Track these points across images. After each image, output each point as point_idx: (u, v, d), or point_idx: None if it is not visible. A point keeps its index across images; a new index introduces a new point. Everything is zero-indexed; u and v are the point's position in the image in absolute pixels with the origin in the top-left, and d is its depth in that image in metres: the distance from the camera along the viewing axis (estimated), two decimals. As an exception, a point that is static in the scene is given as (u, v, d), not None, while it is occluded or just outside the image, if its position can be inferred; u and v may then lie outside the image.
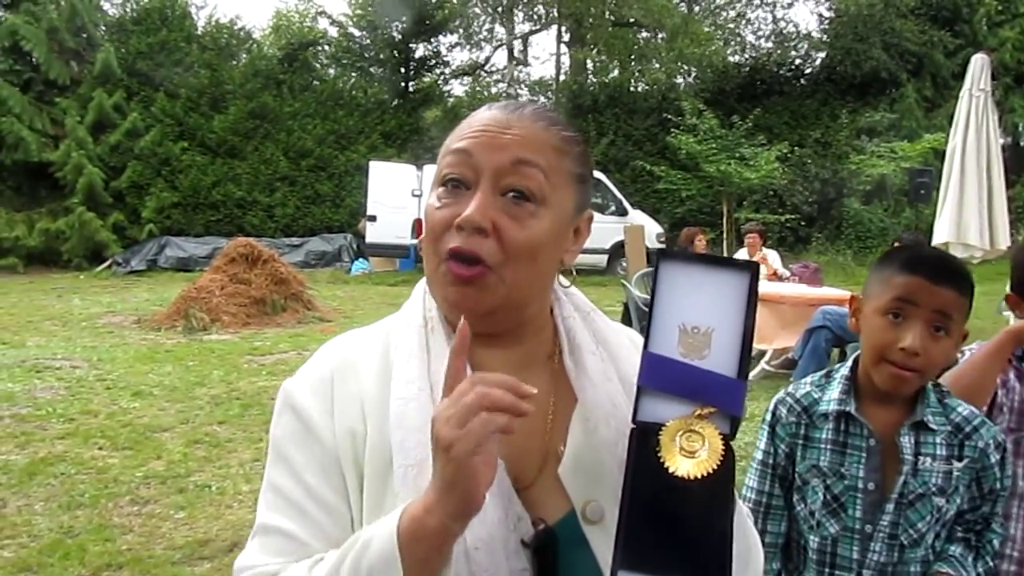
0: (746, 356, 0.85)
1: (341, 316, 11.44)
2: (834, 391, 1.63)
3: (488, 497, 0.86)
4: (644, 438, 0.83)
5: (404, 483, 0.86)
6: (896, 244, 7.44)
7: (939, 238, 6.71)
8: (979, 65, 6.70)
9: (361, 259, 18.47)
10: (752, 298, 0.86)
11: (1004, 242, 6.68)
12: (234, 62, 22.44)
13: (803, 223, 20.23)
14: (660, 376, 0.85)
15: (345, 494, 0.92)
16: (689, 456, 0.81)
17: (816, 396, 1.65)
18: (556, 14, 24.83)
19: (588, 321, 1.05)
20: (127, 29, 20.82)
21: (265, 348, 8.83)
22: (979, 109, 6.57)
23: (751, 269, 0.87)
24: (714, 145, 18.17)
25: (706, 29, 24.81)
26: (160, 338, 9.41)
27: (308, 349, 8.71)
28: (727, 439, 0.83)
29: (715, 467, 0.80)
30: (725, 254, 16.07)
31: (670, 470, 0.81)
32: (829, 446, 1.59)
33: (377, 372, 0.97)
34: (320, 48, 25.27)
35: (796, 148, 20.16)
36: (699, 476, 0.80)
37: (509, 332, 0.99)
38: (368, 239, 17.56)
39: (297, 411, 0.96)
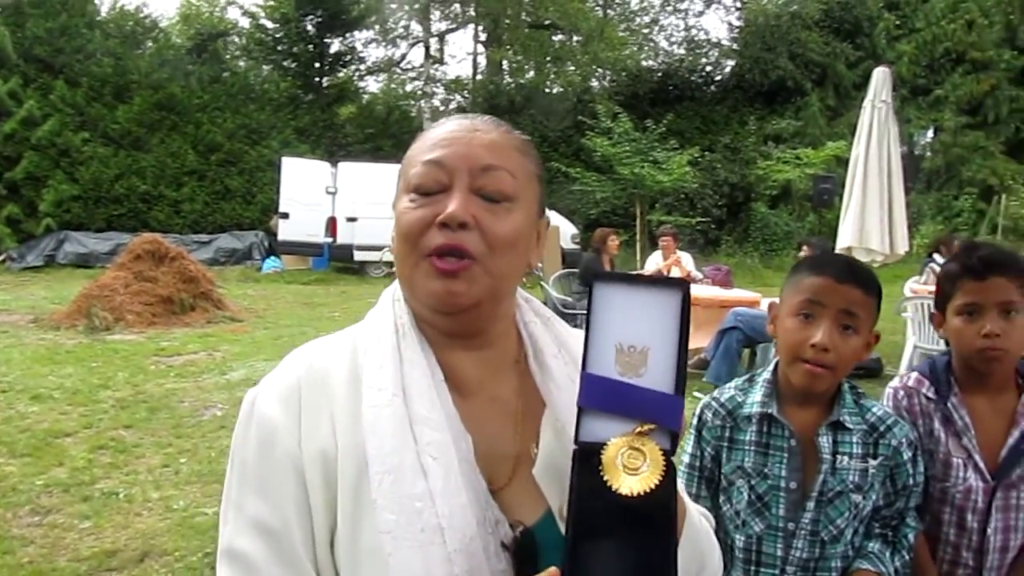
0: (682, 372, 0.87)
1: (253, 316, 11.16)
2: (756, 394, 1.69)
3: (466, 502, 0.88)
4: (586, 458, 0.84)
5: (380, 491, 0.86)
6: (801, 247, 7.73)
7: (843, 243, 7.00)
8: (881, 77, 7.01)
9: (273, 257, 18.08)
10: (685, 315, 0.87)
11: (902, 247, 7.01)
12: (139, 50, 21.63)
13: (713, 226, 20.81)
14: (599, 396, 0.86)
15: (307, 510, 0.91)
16: (632, 473, 0.82)
17: (740, 399, 1.71)
18: (473, 13, 24.85)
19: (549, 327, 1.08)
20: (24, 12, 19.73)
21: (173, 349, 8.54)
22: (881, 120, 6.88)
23: (683, 287, 0.89)
24: (628, 148, 18.50)
25: (620, 34, 25.25)
26: (60, 338, 8.98)
27: (219, 350, 8.48)
28: (668, 455, 0.84)
29: (657, 482, 0.82)
30: (638, 255, 16.39)
31: (613, 488, 0.82)
32: (752, 447, 1.65)
33: (346, 380, 0.96)
34: (231, 39, 24.62)
35: (706, 153, 20.74)
36: (642, 492, 0.81)
37: (480, 334, 1.01)
38: (280, 237, 17.19)
39: (262, 424, 0.95)
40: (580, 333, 1.12)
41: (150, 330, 9.53)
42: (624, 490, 0.81)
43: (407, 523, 0.85)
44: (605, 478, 0.82)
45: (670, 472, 0.83)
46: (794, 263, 1.86)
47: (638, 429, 0.85)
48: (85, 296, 10.01)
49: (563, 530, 0.90)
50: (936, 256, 9.83)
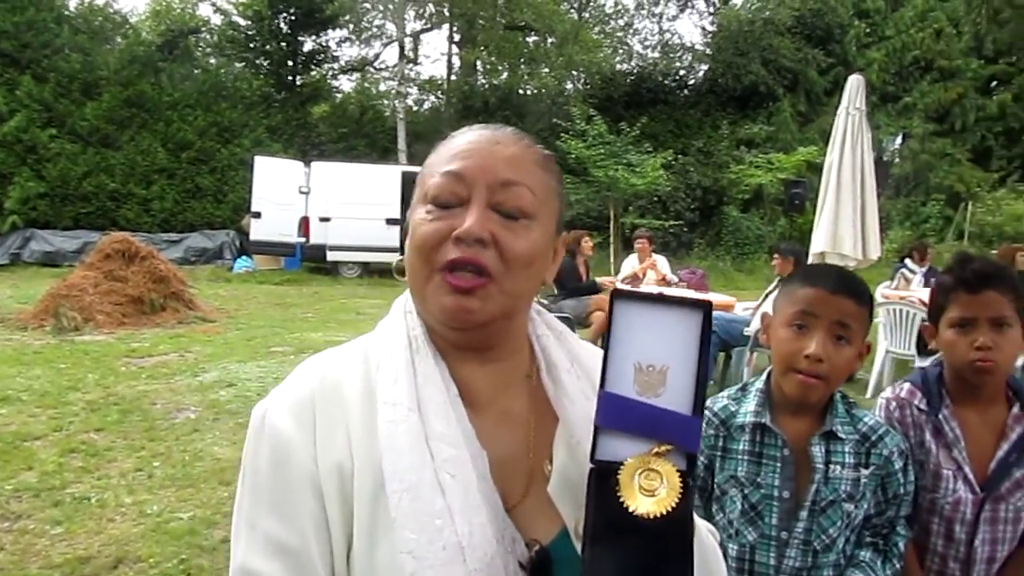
0: (701, 393, 0.86)
1: (225, 316, 11.03)
2: (750, 404, 1.70)
3: (486, 520, 0.86)
4: (603, 477, 0.84)
5: (399, 509, 0.85)
6: (774, 254, 7.79)
7: (816, 248, 7.06)
8: (855, 85, 7.08)
9: (244, 256, 17.91)
10: (706, 336, 0.86)
11: (875, 253, 7.09)
12: (108, 46, 21.30)
13: (685, 229, 20.94)
14: (617, 415, 0.85)
15: (325, 525, 0.89)
16: (649, 495, 0.82)
17: (733, 409, 1.71)
18: (447, 13, 24.78)
19: (562, 340, 1.06)
20: (-11, 6, 19.44)
21: (144, 349, 8.41)
22: (854, 127, 6.95)
23: (704, 307, 0.87)
24: (602, 151, 18.56)
25: (595, 36, 25.32)
26: (27, 338, 8.81)
27: (191, 351, 8.37)
28: (685, 476, 0.83)
29: (674, 505, 0.81)
30: (612, 258, 16.44)
31: (630, 509, 0.81)
32: (746, 457, 1.65)
33: (360, 393, 0.94)
34: (202, 36, 24.34)
35: (680, 156, 20.88)
36: (659, 514, 0.81)
37: (493, 348, 0.99)
38: (252, 236, 17.03)
39: (275, 438, 0.92)
40: (593, 348, 1.11)
41: (120, 331, 9.38)
42: (641, 511, 0.81)
43: (428, 542, 0.83)
44: (621, 498, 0.82)
45: (687, 494, 0.82)
46: (786, 277, 1.87)
47: (655, 449, 0.84)
48: (53, 296, 9.82)
49: (579, 549, 0.89)
50: (908, 262, 9.97)
